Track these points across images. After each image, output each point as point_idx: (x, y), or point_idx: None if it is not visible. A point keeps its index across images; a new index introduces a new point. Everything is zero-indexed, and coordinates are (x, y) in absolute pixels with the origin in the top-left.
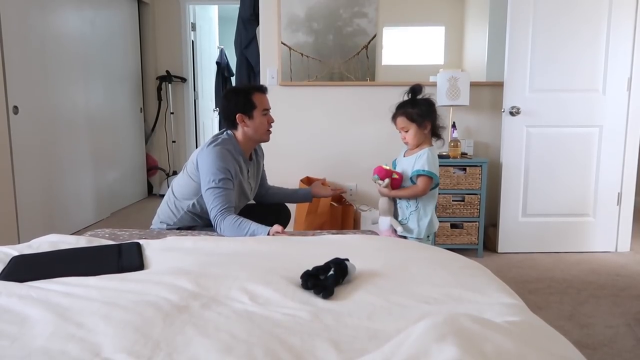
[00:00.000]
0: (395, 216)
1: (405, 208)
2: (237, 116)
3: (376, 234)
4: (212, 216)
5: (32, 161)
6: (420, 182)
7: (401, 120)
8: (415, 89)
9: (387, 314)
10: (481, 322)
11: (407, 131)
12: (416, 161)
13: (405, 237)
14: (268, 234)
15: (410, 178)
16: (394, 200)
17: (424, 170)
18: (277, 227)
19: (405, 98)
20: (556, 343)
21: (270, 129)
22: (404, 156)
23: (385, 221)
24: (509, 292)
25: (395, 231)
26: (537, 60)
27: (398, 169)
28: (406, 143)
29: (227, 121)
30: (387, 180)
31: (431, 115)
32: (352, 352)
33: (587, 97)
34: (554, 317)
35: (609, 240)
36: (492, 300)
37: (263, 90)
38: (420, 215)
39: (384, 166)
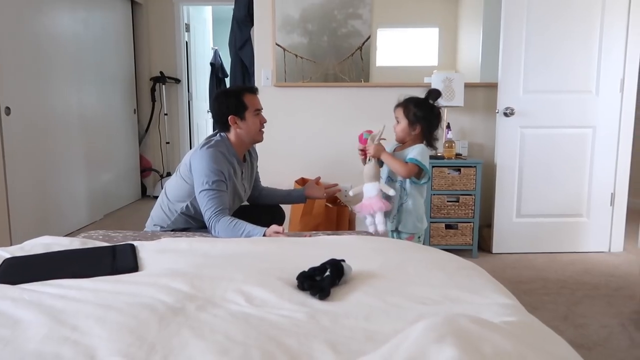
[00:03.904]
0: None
1: (396, 201)
2: (229, 118)
3: (371, 234)
4: (206, 218)
5: (25, 162)
6: (411, 165)
7: (398, 111)
8: (432, 93)
9: (384, 315)
10: (480, 322)
11: (398, 122)
12: (410, 151)
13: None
14: (264, 235)
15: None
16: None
17: (416, 160)
18: (276, 227)
19: (424, 95)
20: (553, 343)
21: (263, 129)
22: (394, 151)
23: (372, 187)
24: (506, 292)
25: (385, 198)
26: (531, 62)
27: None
28: (395, 133)
29: (220, 123)
30: (383, 126)
31: (426, 122)
32: (349, 354)
33: (580, 98)
34: (549, 318)
35: (602, 241)
36: (488, 300)
37: (254, 90)
38: (410, 209)
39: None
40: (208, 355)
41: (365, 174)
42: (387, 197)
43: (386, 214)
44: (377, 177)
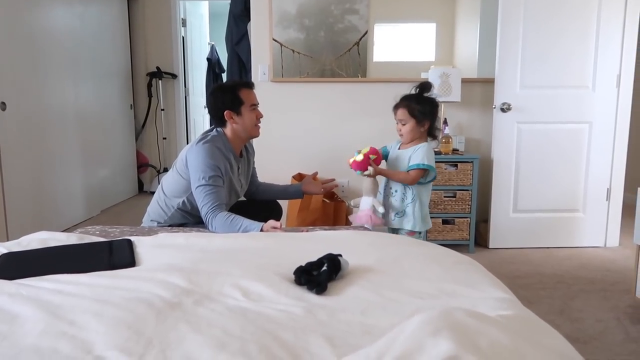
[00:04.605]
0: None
1: (401, 200)
2: (225, 113)
3: (368, 229)
4: (203, 214)
5: (21, 158)
6: (414, 172)
7: (402, 112)
8: (425, 86)
9: (381, 309)
10: (476, 316)
11: (404, 124)
12: (414, 154)
13: (397, 230)
14: (261, 230)
15: (408, 171)
16: (386, 187)
17: (423, 164)
18: (273, 223)
19: (413, 91)
20: (549, 337)
21: (259, 124)
22: (398, 148)
23: (367, 202)
24: (502, 287)
25: (375, 212)
26: (528, 57)
27: (391, 161)
28: (401, 135)
29: (216, 118)
30: (370, 169)
31: (432, 115)
32: (346, 347)
33: (577, 93)
34: (545, 312)
35: (598, 236)
36: (485, 294)
37: (250, 85)
38: (415, 208)
39: (356, 159)
40: (205, 349)
41: (364, 188)
42: (377, 211)
43: (376, 228)
44: (374, 192)
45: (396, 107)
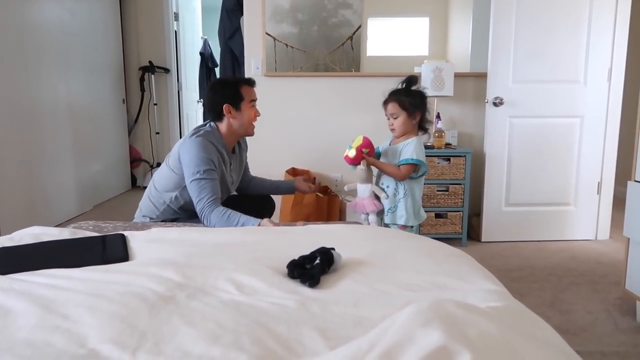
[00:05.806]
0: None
1: (393, 196)
2: (224, 107)
3: (360, 224)
4: (198, 208)
5: (12, 153)
6: (404, 168)
7: (392, 106)
8: (411, 79)
9: (373, 301)
10: (465, 307)
11: (396, 118)
12: (404, 149)
13: (388, 225)
14: (258, 226)
15: (399, 166)
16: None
17: (412, 159)
18: (268, 222)
19: (400, 87)
20: (539, 328)
21: (254, 121)
22: (389, 144)
23: (365, 188)
24: (493, 279)
25: (377, 199)
26: (520, 52)
27: (382, 157)
28: (392, 130)
29: (213, 112)
30: (363, 164)
31: (422, 107)
32: (338, 339)
33: (568, 88)
34: (536, 304)
35: (589, 229)
36: (475, 287)
37: (251, 83)
38: (407, 202)
39: (349, 155)
40: (199, 342)
41: (358, 175)
42: (379, 197)
43: (379, 213)
44: (369, 179)
45: (386, 103)
